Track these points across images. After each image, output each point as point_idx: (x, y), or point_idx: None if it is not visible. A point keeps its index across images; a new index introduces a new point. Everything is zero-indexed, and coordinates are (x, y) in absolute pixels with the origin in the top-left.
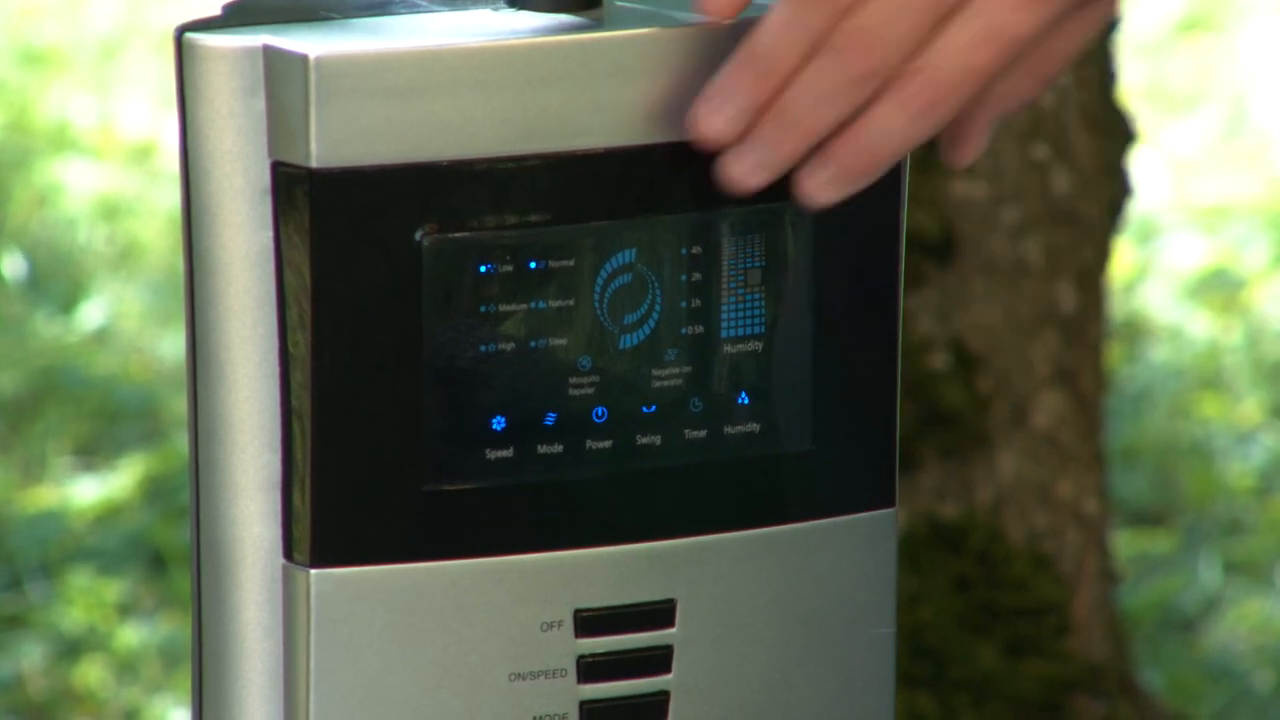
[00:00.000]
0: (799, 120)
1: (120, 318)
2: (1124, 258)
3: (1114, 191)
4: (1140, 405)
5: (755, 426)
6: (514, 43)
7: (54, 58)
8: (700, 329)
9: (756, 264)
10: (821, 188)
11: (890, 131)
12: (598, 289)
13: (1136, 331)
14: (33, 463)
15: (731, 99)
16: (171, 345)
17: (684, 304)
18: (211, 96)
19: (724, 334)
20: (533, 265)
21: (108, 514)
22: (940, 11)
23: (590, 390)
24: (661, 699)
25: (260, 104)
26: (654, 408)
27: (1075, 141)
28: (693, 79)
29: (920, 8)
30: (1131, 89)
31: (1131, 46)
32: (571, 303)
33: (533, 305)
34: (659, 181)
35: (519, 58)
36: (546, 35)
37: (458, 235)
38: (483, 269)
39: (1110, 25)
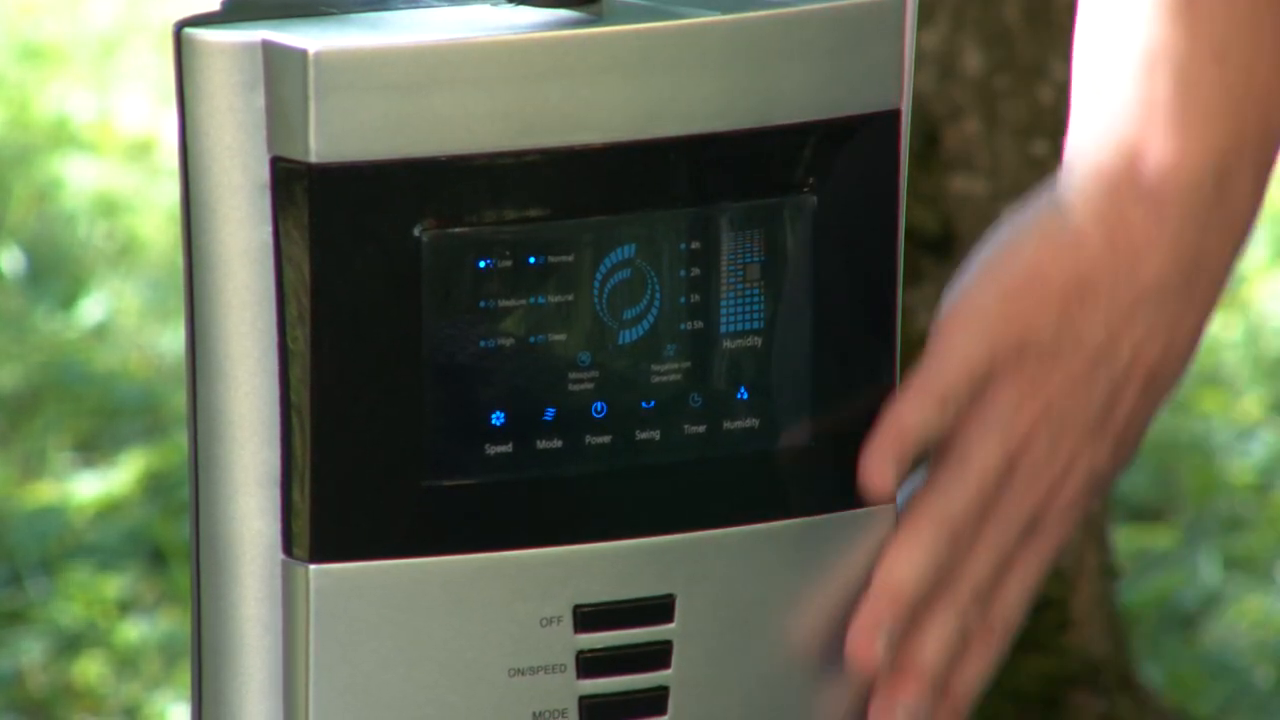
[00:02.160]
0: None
1: (120, 313)
2: None
3: None
4: None
5: (754, 422)
6: (513, 38)
7: (53, 53)
8: (699, 324)
9: (756, 259)
10: None
11: (979, 675)
12: (597, 284)
13: None
14: (33, 458)
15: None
16: (171, 341)
17: (683, 299)
18: (211, 92)
19: (723, 329)
20: (532, 260)
21: (107, 510)
22: (1011, 547)
23: (590, 385)
24: (661, 694)
25: (259, 99)
26: (653, 403)
27: None
28: (691, 74)
29: (1000, 549)
30: None
31: None
32: (571, 298)
33: (532, 301)
34: (658, 176)
35: (518, 53)
36: (545, 30)
37: (457, 230)
38: (482, 264)
39: None
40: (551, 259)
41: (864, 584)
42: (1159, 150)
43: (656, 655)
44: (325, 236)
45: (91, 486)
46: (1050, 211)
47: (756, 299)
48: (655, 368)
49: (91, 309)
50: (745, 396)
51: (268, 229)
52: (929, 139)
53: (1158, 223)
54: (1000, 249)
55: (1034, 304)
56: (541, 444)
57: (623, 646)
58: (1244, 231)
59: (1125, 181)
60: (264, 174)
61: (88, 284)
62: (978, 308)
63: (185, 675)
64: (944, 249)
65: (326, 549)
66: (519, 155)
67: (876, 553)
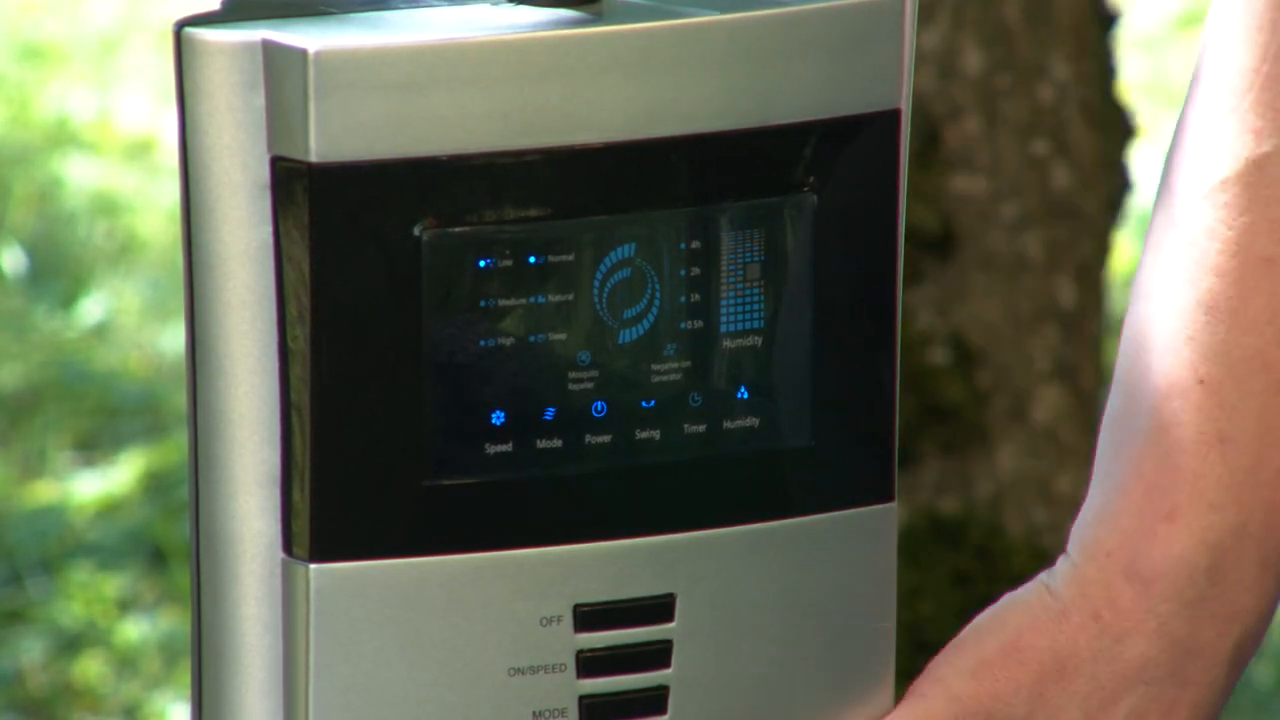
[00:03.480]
0: None
1: (120, 313)
2: (1123, 252)
3: (1113, 186)
4: None
5: (754, 421)
6: (513, 37)
7: (54, 53)
8: (699, 324)
9: (756, 259)
10: None
11: None
12: (597, 284)
13: None
14: (33, 458)
15: None
16: (171, 340)
17: (683, 299)
18: (211, 91)
19: (723, 329)
20: (532, 260)
21: (108, 509)
22: None
23: (589, 385)
24: (661, 694)
25: (259, 99)
26: (653, 402)
27: (1075, 136)
28: (691, 74)
29: None
30: (1131, 84)
31: (1131, 42)
32: (571, 297)
33: (532, 300)
34: (658, 176)
35: (518, 53)
36: (545, 30)
37: (457, 230)
38: (482, 264)
39: (1110, 21)
40: (551, 258)
41: (863, 584)
42: (1152, 535)
43: (656, 655)
44: (325, 236)
45: (91, 486)
46: (1040, 586)
47: (756, 298)
48: (655, 367)
49: (91, 309)
50: (745, 396)
51: (268, 229)
52: (929, 139)
53: (1145, 605)
54: (987, 617)
55: (1007, 677)
56: (541, 443)
57: (623, 646)
58: (1247, 624)
59: (1118, 561)
60: (264, 174)
61: (88, 284)
62: (949, 674)
63: (185, 675)
64: (944, 249)
65: (327, 548)
66: (519, 155)
67: (876, 552)
